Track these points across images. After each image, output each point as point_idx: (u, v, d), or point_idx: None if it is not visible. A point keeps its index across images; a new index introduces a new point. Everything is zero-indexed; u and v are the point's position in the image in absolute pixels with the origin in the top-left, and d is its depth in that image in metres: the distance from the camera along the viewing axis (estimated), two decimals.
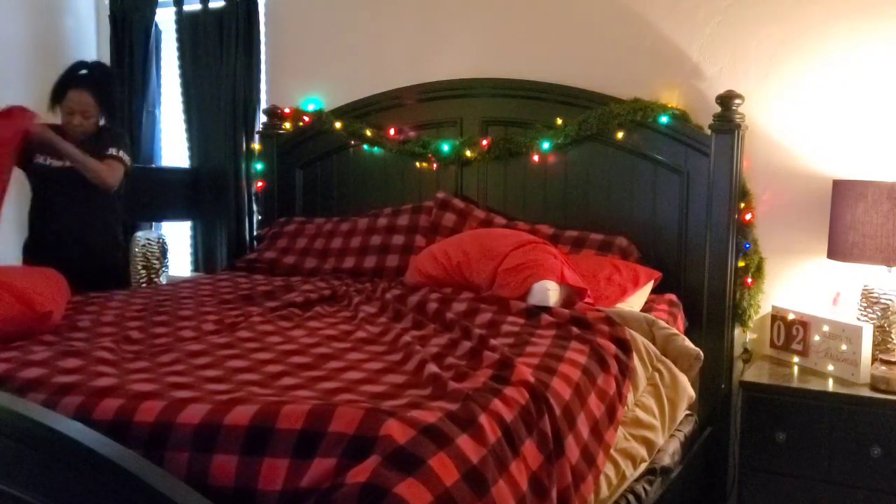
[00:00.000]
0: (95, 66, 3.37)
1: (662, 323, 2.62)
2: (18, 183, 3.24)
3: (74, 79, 3.23)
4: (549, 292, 2.55)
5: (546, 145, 3.28)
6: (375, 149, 3.66)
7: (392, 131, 3.58)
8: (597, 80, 3.25)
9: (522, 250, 2.76)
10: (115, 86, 3.45)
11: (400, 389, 1.79)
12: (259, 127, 3.94)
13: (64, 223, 3.23)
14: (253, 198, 3.98)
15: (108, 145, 3.24)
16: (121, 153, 3.26)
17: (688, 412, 2.73)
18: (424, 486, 1.37)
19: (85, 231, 3.27)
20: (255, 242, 3.92)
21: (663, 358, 2.50)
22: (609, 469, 2.04)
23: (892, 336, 2.69)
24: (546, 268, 2.64)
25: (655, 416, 2.36)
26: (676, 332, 2.62)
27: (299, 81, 3.91)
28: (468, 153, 3.42)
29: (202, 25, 4.04)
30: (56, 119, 3.24)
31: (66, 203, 3.23)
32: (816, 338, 2.77)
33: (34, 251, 3.29)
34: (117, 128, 3.50)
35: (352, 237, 3.45)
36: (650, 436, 2.30)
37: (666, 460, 2.39)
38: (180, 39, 4.09)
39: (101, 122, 3.32)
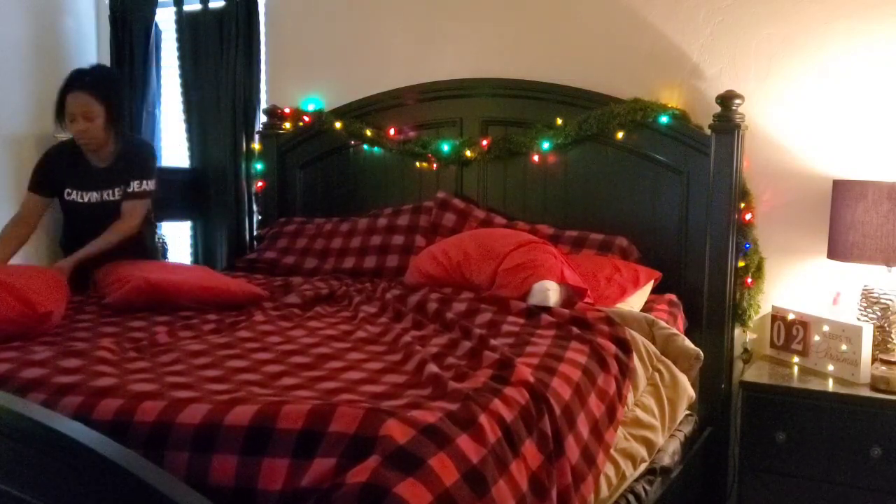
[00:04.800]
0: (94, 68, 3.28)
1: (662, 323, 2.62)
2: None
3: (70, 83, 3.10)
4: (549, 292, 2.55)
5: (546, 145, 3.28)
6: (375, 149, 3.66)
7: (392, 131, 3.58)
8: (597, 80, 3.25)
9: (522, 250, 2.76)
10: (118, 84, 3.33)
11: (400, 389, 1.79)
12: (259, 127, 3.93)
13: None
14: (253, 198, 3.98)
15: (128, 177, 3.15)
16: (144, 185, 3.17)
17: (688, 412, 2.74)
18: (424, 486, 1.37)
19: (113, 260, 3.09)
20: (255, 242, 3.92)
21: (663, 358, 2.50)
22: (609, 469, 2.04)
23: (892, 336, 2.69)
24: (546, 268, 2.64)
25: (655, 416, 2.36)
26: (676, 332, 2.62)
27: (299, 81, 3.91)
28: (468, 153, 3.42)
29: (202, 25, 4.03)
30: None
31: (96, 235, 3.10)
32: (816, 338, 2.77)
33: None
34: (136, 146, 3.30)
35: (352, 237, 3.45)
36: (650, 436, 2.30)
37: (666, 460, 2.39)
38: (180, 39, 4.08)
39: (112, 132, 3.16)
